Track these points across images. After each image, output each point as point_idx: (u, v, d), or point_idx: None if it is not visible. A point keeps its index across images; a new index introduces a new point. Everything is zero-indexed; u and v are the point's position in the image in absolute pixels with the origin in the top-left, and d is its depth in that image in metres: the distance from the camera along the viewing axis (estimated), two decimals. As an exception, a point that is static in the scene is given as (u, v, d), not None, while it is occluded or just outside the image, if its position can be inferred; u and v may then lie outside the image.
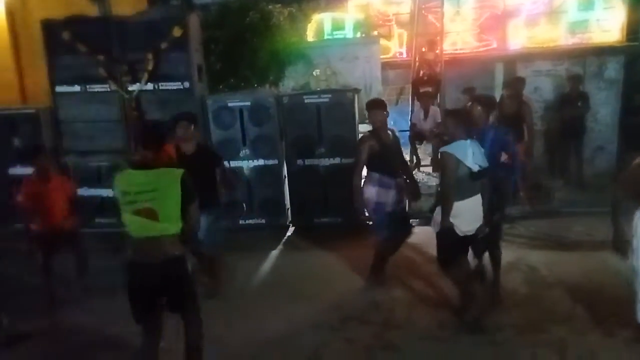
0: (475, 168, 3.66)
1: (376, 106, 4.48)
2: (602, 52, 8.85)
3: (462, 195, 3.68)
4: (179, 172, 3.04)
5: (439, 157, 3.77)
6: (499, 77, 9.19)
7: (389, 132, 4.57)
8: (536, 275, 4.71)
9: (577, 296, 4.25)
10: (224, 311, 4.39)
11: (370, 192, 4.44)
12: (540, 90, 8.82)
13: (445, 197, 3.73)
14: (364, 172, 4.50)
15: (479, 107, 4.19)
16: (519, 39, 9.39)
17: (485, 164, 3.75)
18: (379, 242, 4.65)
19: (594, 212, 5.89)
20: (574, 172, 7.70)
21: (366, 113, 4.57)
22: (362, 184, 4.49)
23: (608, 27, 9.05)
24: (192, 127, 4.49)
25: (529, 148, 6.07)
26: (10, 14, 8.22)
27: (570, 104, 7.66)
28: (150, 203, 2.95)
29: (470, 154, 3.64)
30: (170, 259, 3.01)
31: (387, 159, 4.43)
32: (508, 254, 4.49)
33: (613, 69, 8.79)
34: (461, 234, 3.75)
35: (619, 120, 8.58)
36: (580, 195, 7.00)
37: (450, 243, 3.79)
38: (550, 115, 8.42)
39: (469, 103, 4.45)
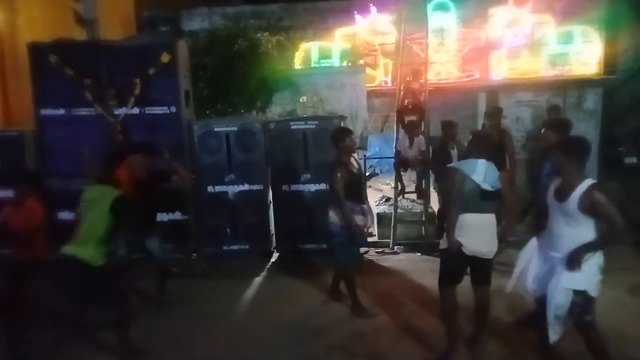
0: (486, 187, 3.56)
1: (345, 134, 4.63)
2: (582, 84, 9.13)
3: (468, 209, 3.57)
4: (115, 193, 3.70)
5: (448, 173, 3.72)
6: (482, 107, 9.40)
7: (354, 160, 4.74)
8: (520, 303, 4.70)
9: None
10: (207, 340, 4.31)
11: (335, 217, 4.57)
12: (522, 120, 9.04)
13: (449, 211, 3.64)
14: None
15: (553, 134, 4.19)
16: (501, 70, 9.64)
17: (498, 185, 3.63)
18: (342, 266, 4.74)
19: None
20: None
21: (333, 143, 4.64)
22: (330, 207, 4.62)
23: (587, 60, 9.36)
24: (150, 159, 4.64)
25: (512, 176, 6.15)
26: (-2, 36, 8.21)
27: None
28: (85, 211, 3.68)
29: (480, 172, 3.55)
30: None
31: (354, 186, 4.55)
32: (492, 281, 4.48)
33: (592, 101, 9.07)
34: (469, 253, 3.60)
35: (598, 150, 8.79)
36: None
37: (453, 260, 3.65)
38: (531, 145, 8.59)
39: (542, 129, 4.43)
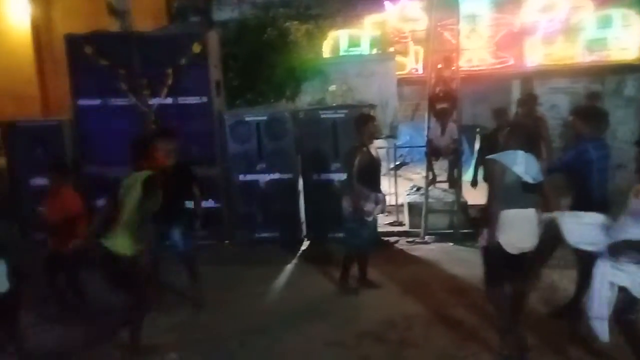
0: (528, 179, 3.41)
1: (370, 120, 4.72)
2: (621, 70, 8.80)
3: (511, 204, 3.41)
4: (147, 174, 3.66)
5: (486, 166, 3.60)
6: (516, 94, 9.18)
7: (374, 148, 4.80)
8: (556, 295, 4.62)
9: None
10: (238, 326, 4.37)
11: (347, 201, 4.65)
12: (558, 107, 8.78)
13: (490, 208, 3.47)
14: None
15: (579, 122, 4.00)
16: (535, 56, 9.37)
17: (540, 178, 3.47)
18: (351, 249, 4.88)
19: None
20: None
21: (357, 127, 4.70)
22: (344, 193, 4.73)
23: (627, 44, 8.99)
24: (173, 143, 4.55)
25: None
26: (36, 28, 8.45)
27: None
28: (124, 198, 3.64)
29: (521, 163, 3.41)
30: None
31: (371, 172, 4.62)
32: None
33: (632, 87, 8.74)
34: (512, 251, 3.44)
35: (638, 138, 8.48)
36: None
37: (496, 260, 3.51)
38: (568, 133, 8.34)
39: (570, 117, 4.25)
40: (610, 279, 3.09)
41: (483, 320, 4.14)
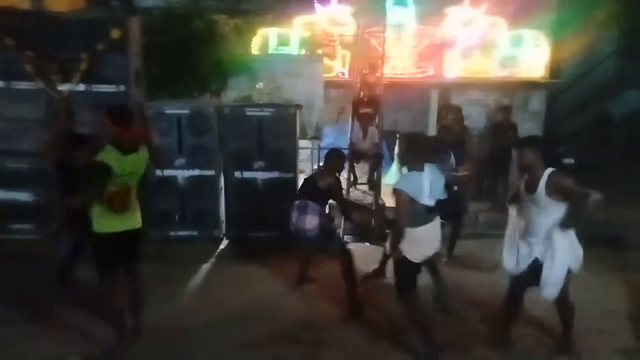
0: (432, 203, 3.54)
1: (341, 156, 4.90)
2: (528, 86, 9.52)
3: (418, 223, 3.59)
4: (144, 152, 3.71)
5: (392, 192, 3.55)
6: (434, 103, 9.63)
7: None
8: (461, 294, 4.89)
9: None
10: (149, 326, 4.20)
11: (312, 221, 4.65)
12: (472, 118, 9.29)
13: (396, 232, 3.64)
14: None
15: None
16: (454, 68, 9.88)
17: (442, 195, 3.62)
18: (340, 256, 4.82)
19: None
20: (500, 196, 8.11)
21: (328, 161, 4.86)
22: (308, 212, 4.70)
23: (534, 63, 9.74)
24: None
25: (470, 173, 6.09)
26: None
27: (501, 133, 8.10)
28: (130, 181, 3.61)
29: (426, 188, 3.50)
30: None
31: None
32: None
33: (537, 102, 9.49)
34: (419, 260, 3.68)
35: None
36: (506, 218, 7.34)
37: (407, 270, 3.70)
38: (480, 143, 8.87)
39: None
40: (570, 265, 3.56)
41: (393, 319, 4.29)
